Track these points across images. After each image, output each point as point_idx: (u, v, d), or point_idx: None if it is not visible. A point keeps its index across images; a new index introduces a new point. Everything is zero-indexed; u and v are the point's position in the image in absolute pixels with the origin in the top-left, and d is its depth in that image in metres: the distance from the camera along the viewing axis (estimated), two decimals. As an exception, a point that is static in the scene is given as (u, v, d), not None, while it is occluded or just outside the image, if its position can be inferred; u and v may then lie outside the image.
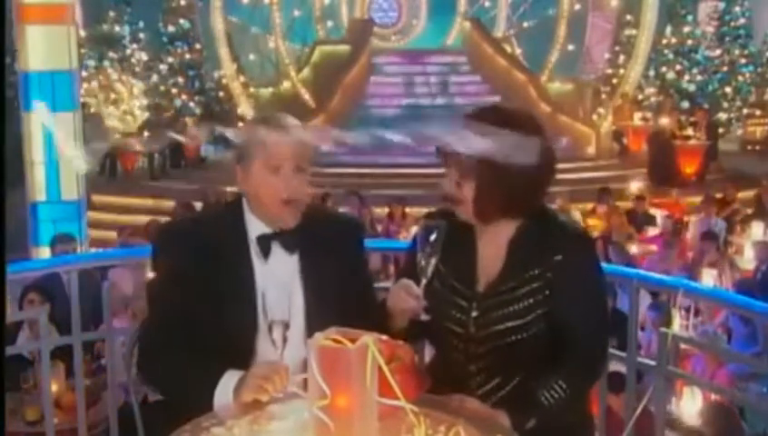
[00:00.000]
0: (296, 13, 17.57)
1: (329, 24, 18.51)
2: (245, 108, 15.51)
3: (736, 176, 12.35)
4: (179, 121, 14.76)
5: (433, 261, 1.96)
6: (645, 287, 3.27)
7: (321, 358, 1.60)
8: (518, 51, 17.48)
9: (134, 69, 15.60)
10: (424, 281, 1.97)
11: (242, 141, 2.12)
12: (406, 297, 1.98)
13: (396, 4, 19.26)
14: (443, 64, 16.68)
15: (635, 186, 11.33)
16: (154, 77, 15.71)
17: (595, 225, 9.18)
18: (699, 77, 16.04)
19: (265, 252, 2.14)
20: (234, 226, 2.16)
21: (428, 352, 2.43)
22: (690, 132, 13.80)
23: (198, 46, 16.15)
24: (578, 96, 16.74)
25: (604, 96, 16.69)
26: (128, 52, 15.64)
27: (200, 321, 2.07)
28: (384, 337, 1.79)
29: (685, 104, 15.31)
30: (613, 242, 7.97)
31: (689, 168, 13.20)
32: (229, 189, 9.50)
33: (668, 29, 16.18)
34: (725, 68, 17.12)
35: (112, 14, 15.63)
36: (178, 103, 15.64)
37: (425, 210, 2.39)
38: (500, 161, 1.92)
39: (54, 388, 3.72)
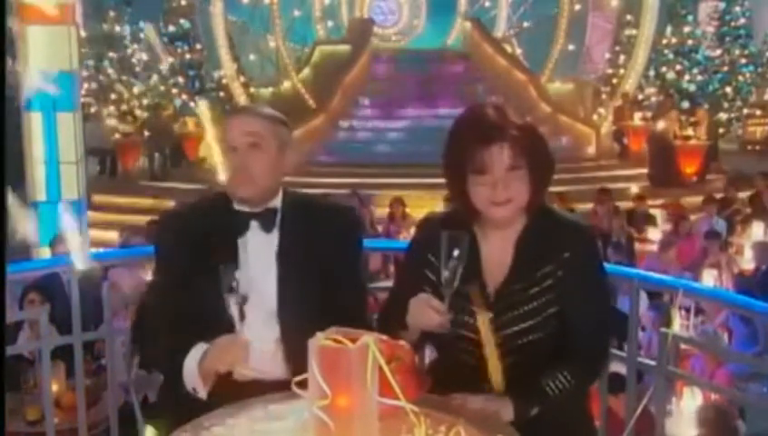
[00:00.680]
0: (296, 13, 17.59)
1: (330, 24, 18.53)
2: (245, 108, 15.49)
3: (736, 176, 12.35)
4: (179, 121, 14.80)
5: (459, 272, 1.90)
6: (646, 287, 3.27)
7: (322, 358, 1.60)
8: (519, 51, 17.49)
9: (135, 69, 15.61)
10: (449, 293, 1.92)
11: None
12: (431, 313, 1.92)
13: (396, 4, 19.26)
14: (443, 64, 16.68)
15: (636, 186, 11.33)
16: (154, 77, 15.72)
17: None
18: (699, 77, 16.03)
19: (241, 230, 2.21)
20: (224, 208, 2.26)
21: (429, 354, 2.42)
22: (690, 132, 13.81)
23: (198, 46, 16.16)
24: (578, 96, 16.75)
25: (604, 96, 16.70)
26: (128, 52, 15.65)
27: (186, 297, 2.15)
28: (384, 337, 1.79)
29: (686, 104, 15.30)
30: (613, 242, 7.97)
31: (689, 168, 13.21)
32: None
33: (668, 29, 16.18)
34: (726, 68, 17.14)
35: (112, 14, 15.63)
36: (178, 103, 15.64)
37: (425, 210, 2.38)
38: (546, 148, 2.01)
39: (54, 388, 3.72)
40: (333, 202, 2.97)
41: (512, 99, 13.77)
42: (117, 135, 14.44)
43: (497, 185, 1.96)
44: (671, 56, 16.06)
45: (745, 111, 17.05)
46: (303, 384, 1.65)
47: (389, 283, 2.31)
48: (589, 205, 10.28)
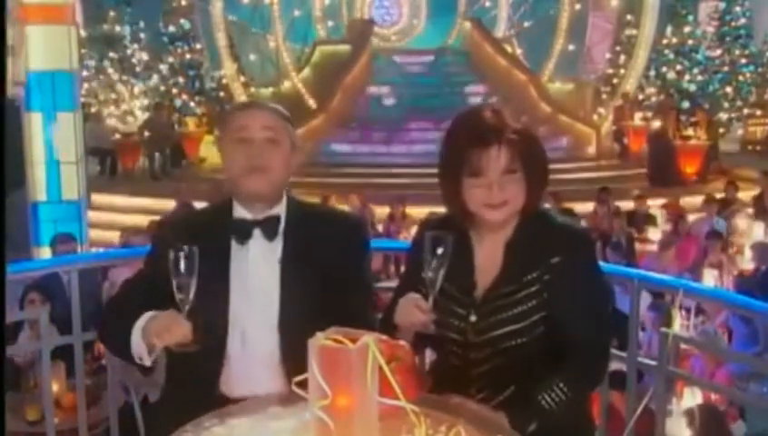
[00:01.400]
0: (296, 13, 17.58)
1: (330, 23, 18.52)
2: (245, 108, 15.50)
3: (737, 176, 12.36)
4: (179, 121, 14.80)
5: (442, 273, 1.91)
6: (646, 287, 3.26)
7: (322, 358, 1.60)
8: (519, 51, 17.48)
9: (135, 69, 15.62)
10: (433, 293, 1.93)
11: (220, 128, 2.23)
12: (416, 312, 1.94)
13: (396, 4, 19.26)
14: (443, 63, 16.67)
15: (636, 186, 11.34)
16: (155, 77, 15.72)
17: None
18: (700, 77, 16.05)
19: (243, 238, 2.17)
20: (221, 214, 2.22)
21: (429, 356, 2.41)
22: (690, 132, 13.81)
23: (198, 46, 16.16)
24: (579, 96, 16.74)
25: (604, 96, 16.70)
26: (128, 52, 15.66)
27: (162, 298, 2.01)
28: (384, 337, 1.79)
29: (686, 104, 15.32)
30: (613, 242, 7.98)
31: (690, 168, 13.21)
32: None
33: (669, 29, 16.19)
34: (726, 68, 17.14)
35: (112, 14, 15.63)
36: (178, 103, 15.65)
37: (425, 210, 2.38)
38: (542, 153, 2.02)
39: (54, 388, 3.73)
40: (338, 209, 2.96)
41: (512, 99, 13.79)
42: (117, 135, 14.44)
43: (492, 187, 1.96)
44: (671, 56, 16.08)
45: (746, 111, 17.04)
46: (303, 384, 1.65)
47: (390, 283, 2.31)
48: (589, 205, 10.29)
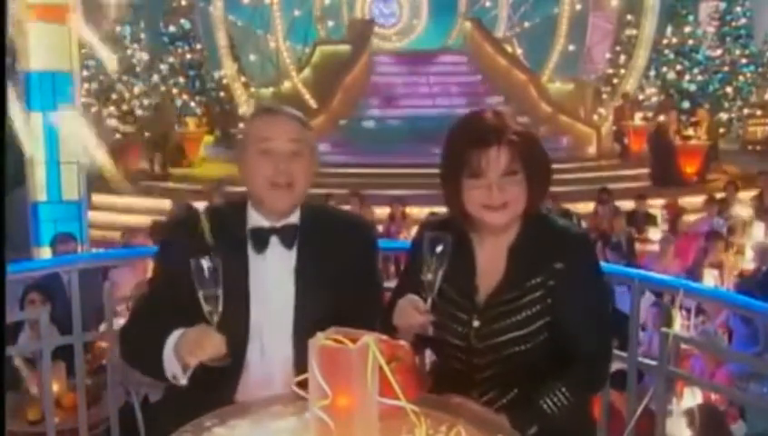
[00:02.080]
0: (296, 13, 17.60)
1: (330, 23, 18.53)
2: (246, 108, 15.52)
3: (737, 176, 12.35)
4: (179, 120, 14.78)
5: (440, 274, 1.90)
6: (647, 287, 3.27)
7: (322, 358, 1.60)
8: (519, 51, 17.48)
9: (135, 69, 15.61)
10: (431, 295, 1.92)
11: (242, 132, 2.12)
12: (413, 313, 1.92)
13: (396, 4, 19.26)
14: (444, 63, 16.69)
15: (636, 186, 11.33)
16: (155, 77, 15.71)
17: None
18: (700, 77, 16.04)
19: (261, 246, 2.12)
20: (235, 220, 2.15)
21: (429, 356, 2.41)
22: (691, 132, 13.81)
23: (199, 46, 16.16)
24: (579, 96, 16.75)
25: (604, 96, 16.71)
26: (129, 52, 15.64)
27: (186, 311, 1.97)
28: (384, 337, 1.79)
29: (686, 104, 15.31)
30: (613, 242, 7.98)
31: (690, 168, 13.21)
32: (230, 189, 9.53)
33: (669, 29, 16.19)
34: (726, 68, 17.14)
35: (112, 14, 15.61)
36: (178, 103, 15.64)
37: (425, 210, 2.37)
38: (545, 155, 2.00)
39: (55, 388, 3.72)
40: (350, 215, 2.91)
41: (512, 99, 13.79)
42: (117, 135, 14.43)
43: (491, 189, 1.94)
44: (671, 56, 16.08)
45: (746, 111, 17.04)
46: (304, 384, 1.65)
47: (390, 284, 2.29)
48: (590, 205, 10.29)
